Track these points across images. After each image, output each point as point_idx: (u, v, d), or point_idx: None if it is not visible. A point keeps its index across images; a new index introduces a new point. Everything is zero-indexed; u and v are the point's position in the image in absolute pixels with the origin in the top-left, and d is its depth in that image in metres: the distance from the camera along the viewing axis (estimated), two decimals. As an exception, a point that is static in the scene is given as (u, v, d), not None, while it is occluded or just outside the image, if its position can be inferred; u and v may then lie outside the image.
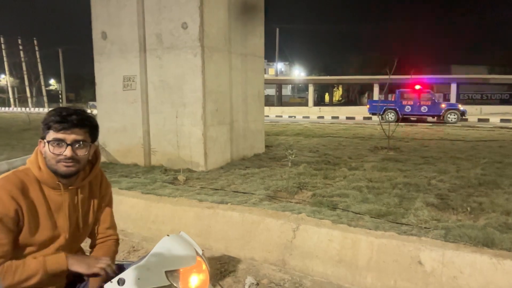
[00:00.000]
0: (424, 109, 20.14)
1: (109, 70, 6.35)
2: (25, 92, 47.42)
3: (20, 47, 47.04)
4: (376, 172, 5.32)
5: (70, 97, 57.10)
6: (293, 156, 4.81)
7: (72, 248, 1.48)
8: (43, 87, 49.37)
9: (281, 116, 26.46)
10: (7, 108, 42.15)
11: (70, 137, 1.31)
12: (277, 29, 41.78)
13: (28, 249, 1.35)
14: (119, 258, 3.18)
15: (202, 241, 3.47)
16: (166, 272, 1.16)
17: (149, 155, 6.12)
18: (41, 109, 40.39)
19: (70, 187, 1.41)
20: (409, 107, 20.29)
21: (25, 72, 47.75)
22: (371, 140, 9.77)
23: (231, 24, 6.27)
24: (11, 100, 48.19)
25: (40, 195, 1.34)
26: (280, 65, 57.61)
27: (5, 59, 47.10)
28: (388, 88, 26.69)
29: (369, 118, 22.58)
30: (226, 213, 3.55)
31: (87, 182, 1.48)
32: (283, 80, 43.15)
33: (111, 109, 6.39)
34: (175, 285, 1.17)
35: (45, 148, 1.33)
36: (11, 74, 48.79)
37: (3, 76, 51.65)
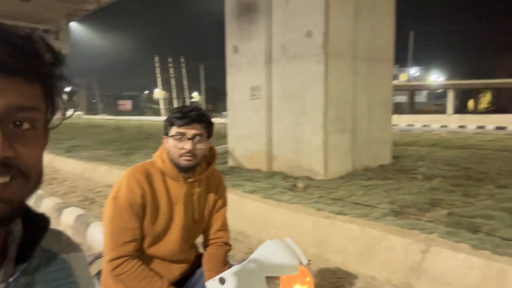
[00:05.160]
0: None
1: (238, 82, 6.80)
2: (172, 103, 54.77)
3: (170, 65, 54.73)
4: (534, 192, 4.37)
5: (209, 108, 63.35)
6: (425, 168, 4.32)
7: (187, 242, 1.56)
8: (187, 99, 56.26)
9: (413, 125, 24.30)
10: (158, 117, 49.13)
11: (190, 131, 1.42)
12: (411, 33, 38.84)
13: (146, 241, 1.46)
14: (238, 257, 3.32)
15: (318, 252, 3.36)
16: (266, 277, 1.11)
17: (271, 161, 6.30)
18: (184, 119, 45.68)
19: (188, 180, 1.51)
20: None
21: (173, 86, 55.25)
22: (529, 153, 8.12)
23: (358, 28, 6.04)
24: (162, 110, 56.16)
25: (162, 185, 1.47)
26: (414, 70, 53.23)
27: (158, 75, 55.38)
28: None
29: (526, 129, 18.94)
30: (344, 225, 3.37)
31: (204, 178, 1.57)
32: (416, 86, 39.78)
33: (239, 118, 6.82)
34: (275, 292, 1.12)
35: (169, 143, 1.46)
36: (162, 88, 57.03)
37: (156, 90, 60.64)
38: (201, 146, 1.45)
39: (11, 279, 0.50)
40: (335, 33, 5.60)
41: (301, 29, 5.74)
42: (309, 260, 1.29)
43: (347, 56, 5.90)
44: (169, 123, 1.46)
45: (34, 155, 0.49)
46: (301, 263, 1.22)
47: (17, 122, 0.47)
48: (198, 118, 1.43)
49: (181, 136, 1.42)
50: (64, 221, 4.10)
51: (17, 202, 0.48)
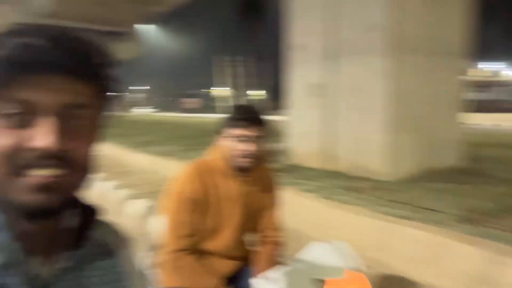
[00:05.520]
0: None
1: (297, 79, 6.76)
2: (237, 101, 56.07)
3: (236, 63, 56.13)
4: None
5: (270, 106, 63.73)
6: (502, 172, 3.93)
7: (240, 239, 1.58)
8: (249, 97, 57.32)
9: (499, 125, 22.12)
10: (223, 115, 50.53)
11: (253, 133, 1.43)
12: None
13: (201, 236, 1.49)
14: (291, 257, 3.29)
15: (378, 256, 3.22)
16: (312, 279, 1.09)
17: (330, 160, 6.16)
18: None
19: (243, 178, 1.52)
20: None
21: (236, 84, 56.58)
22: None
23: (424, 20, 5.66)
24: (226, 108, 57.79)
25: (218, 182, 1.50)
26: (496, 65, 48.53)
27: (223, 74, 57.09)
28: None
29: None
30: (407, 230, 3.20)
31: (258, 178, 1.57)
32: (493, 81, 36.32)
33: (298, 115, 6.77)
34: (320, 295, 1.09)
35: (227, 142, 1.47)
36: (226, 86, 58.64)
37: (220, 88, 62.53)
38: (261, 148, 1.47)
39: (61, 267, 0.54)
40: (398, 26, 5.33)
41: (362, 24, 5.54)
42: (366, 266, 1.24)
43: (412, 50, 5.56)
44: (230, 123, 1.47)
45: (87, 150, 0.53)
46: (357, 268, 1.17)
47: (72, 118, 0.50)
48: (260, 120, 1.45)
49: (244, 138, 1.43)
50: (130, 212, 4.39)
51: (70, 193, 0.53)
